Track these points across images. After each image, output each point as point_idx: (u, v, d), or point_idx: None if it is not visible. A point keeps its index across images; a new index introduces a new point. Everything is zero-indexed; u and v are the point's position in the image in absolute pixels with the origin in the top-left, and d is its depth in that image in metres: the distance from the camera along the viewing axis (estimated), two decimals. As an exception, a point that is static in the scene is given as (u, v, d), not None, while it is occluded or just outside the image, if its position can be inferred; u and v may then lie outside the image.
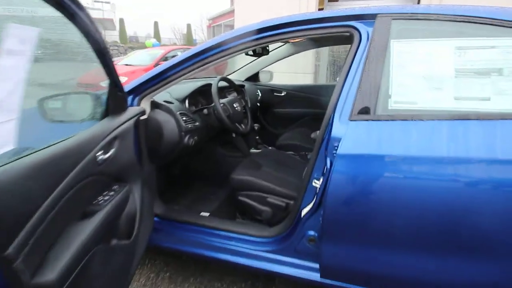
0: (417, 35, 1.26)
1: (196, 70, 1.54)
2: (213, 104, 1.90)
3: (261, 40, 1.50)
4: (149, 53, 9.24)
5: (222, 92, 2.31)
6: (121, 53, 20.93)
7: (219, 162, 2.45)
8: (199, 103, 2.08)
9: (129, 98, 1.59)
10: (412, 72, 1.23)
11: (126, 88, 1.59)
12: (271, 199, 1.72)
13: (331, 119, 1.34)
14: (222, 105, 1.90)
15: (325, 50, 7.42)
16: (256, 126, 2.39)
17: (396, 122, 1.19)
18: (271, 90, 3.15)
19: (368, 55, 1.27)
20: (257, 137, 2.42)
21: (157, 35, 27.71)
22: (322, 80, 7.45)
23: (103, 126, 1.21)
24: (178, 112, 1.75)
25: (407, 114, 1.18)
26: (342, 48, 7.31)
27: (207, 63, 1.51)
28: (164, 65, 1.58)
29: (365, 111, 1.23)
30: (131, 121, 1.37)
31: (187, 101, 1.93)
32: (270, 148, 2.47)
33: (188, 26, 28.68)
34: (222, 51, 1.49)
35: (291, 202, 1.70)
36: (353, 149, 1.20)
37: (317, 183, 1.36)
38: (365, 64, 1.27)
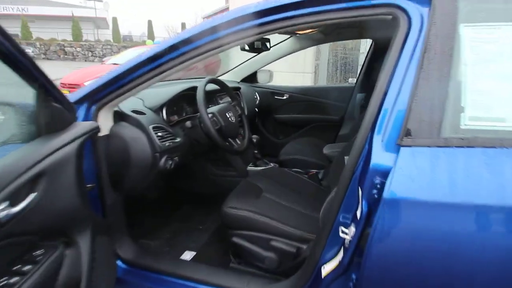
0: (503, 17, 0.83)
1: (175, 69, 1.11)
2: (199, 113, 1.47)
3: (262, 28, 1.06)
4: (141, 51, 8.75)
5: (212, 97, 1.87)
6: (114, 52, 20.40)
7: (208, 184, 2.02)
8: (182, 112, 1.64)
9: (82, 108, 1.15)
10: (497, 73, 0.81)
11: (77, 94, 1.16)
12: (277, 242, 1.30)
13: (367, 141, 0.92)
14: (211, 115, 1.47)
15: (325, 48, 7.02)
16: (254, 137, 1.97)
17: (476, 150, 0.76)
18: (271, 93, 2.72)
19: (425, 48, 0.85)
20: (256, 151, 2.00)
21: (151, 34, 27.14)
22: (322, 80, 7.04)
23: (17, 158, 0.77)
24: (151, 126, 1.31)
25: (492, 138, 0.76)
26: (341, 45, 6.93)
27: (187, 60, 1.08)
28: (131, 61, 1.14)
29: (423, 131, 0.81)
30: (74, 145, 0.93)
31: (164, 110, 1.49)
32: (271, 165, 2.04)
33: (183, 25, 28.12)
34: (208, 43, 1.05)
35: (304, 246, 1.27)
36: (410, 192, 0.78)
37: (346, 234, 0.94)
38: (421, 61, 0.84)
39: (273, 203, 1.44)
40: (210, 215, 1.99)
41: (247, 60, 2.62)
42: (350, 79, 6.00)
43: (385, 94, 0.89)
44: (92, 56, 21.54)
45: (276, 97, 2.72)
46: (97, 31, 29.12)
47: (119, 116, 1.31)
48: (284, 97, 2.71)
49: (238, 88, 2.23)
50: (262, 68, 2.73)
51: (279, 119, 2.75)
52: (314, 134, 2.61)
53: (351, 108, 2.55)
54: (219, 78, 2.68)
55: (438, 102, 0.81)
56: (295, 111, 2.73)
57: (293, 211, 1.41)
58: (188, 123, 1.45)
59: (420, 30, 0.87)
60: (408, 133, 0.83)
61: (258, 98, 2.65)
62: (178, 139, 1.45)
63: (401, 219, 0.79)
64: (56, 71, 7.98)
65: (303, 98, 2.69)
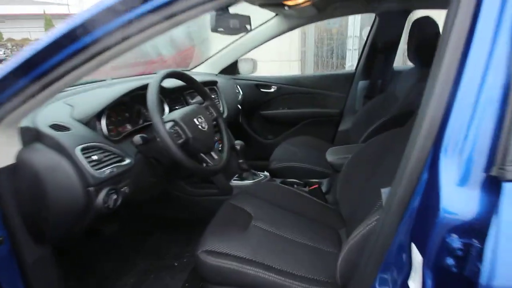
0: None
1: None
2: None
3: None
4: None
5: (177, 97, 1.44)
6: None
7: (183, 205, 1.60)
8: (134, 120, 1.20)
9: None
10: None
11: None
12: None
13: (425, 166, 0.53)
14: (171, 124, 1.03)
15: (310, 34, 6.59)
16: (238, 144, 1.55)
17: None
18: (256, 85, 2.30)
19: None
20: (241, 161, 1.58)
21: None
22: (310, 69, 6.62)
23: None
24: (79, 148, 0.88)
25: None
26: (325, 30, 6.52)
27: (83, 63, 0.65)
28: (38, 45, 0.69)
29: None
30: None
31: (104, 121, 1.05)
32: (261, 176, 1.63)
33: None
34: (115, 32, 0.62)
35: None
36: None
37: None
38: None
39: (266, 236, 1.04)
40: (188, 245, 1.58)
41: (224, 48, 2.17)
42: (348, 64, 5.57)
43: (456, 89, 0.49)
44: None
45: (262, 89, 2.30)
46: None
47: (32, 135, 0.87)
48: (272, 90, 2.29)
49: (214, 83, 1.80)
50: (243, 57, 2.29)
51: (266, 115, 2.33)
52: (309, 132, 2.21)
53: (352, 99, 2.15)
54: (187, 70, 2.25)
55: None
56: (285, 105, 2.32)
57: (296, 246, 1.01)
58: (137, 138, 1.01)
59: None
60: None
61: (241, 93, 2.22)
62: (127, 161, 1.03)
63: None
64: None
65: (294, 90, 2.27)
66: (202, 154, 1.10)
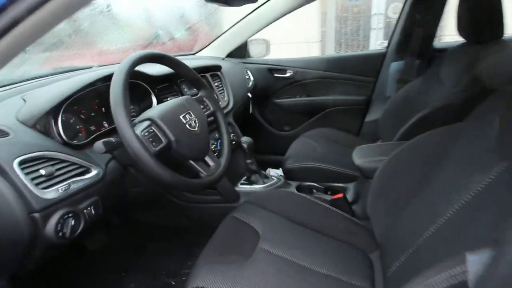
0: None
1: None
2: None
3: None
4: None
5: (166, 88, 1.16)
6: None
7: (180, 213, 1.37)
8: (109, 117, 0.95)
9: None
10: None
11: None
12: None
13: None
14: (146, 123, 0.77)
15: (331, 13, 6.11)
16: (245, 142, 1.28)
17: None
18: (268, 70, 2.00)
19: None
20: (249, 161, 1.32)
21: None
22: (330, 50, 6.17)
23: None
24: (17, 160, 0.65)
25: None
26: (346, 10, 6.01)
27: None
28: None
29: None
30: None
31: (60, 122, 0.80)
32: (274, 178, 1.37)
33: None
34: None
35: None
36: None
37: None
38: None
39: (277, 265, 0.80)
40: (187, 259, 1.36)
41: (231, 28, 1.88)
42: (378, 42, 5.10)
43: None
44: None
45: (276, 74, 2.00)
46: None
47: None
48: (287, 74, 1.99)
49: (217, 68, 1.52)
50: (253, 38, 2.00)
51: (281, 104, 2.04)
52: (330, 123, 1.91)
53: (382, 84, 1.82)
54: (190, 55, 1.98)
55: None
56: (303, 92, 2.02)
57: (315, 279, 0.77)
58: (98, 145, 0.75)
59: None
60: None
61: (252, 79, 1.94)
62: (93, 172, 0.79)
63: None
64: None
65: (313, 74, 1.96)
66: (192, 162, 0.85)
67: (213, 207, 1.31)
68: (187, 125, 0.83)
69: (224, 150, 0.99)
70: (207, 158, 0.91)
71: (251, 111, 1.86)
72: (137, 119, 0.80)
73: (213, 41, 1.98)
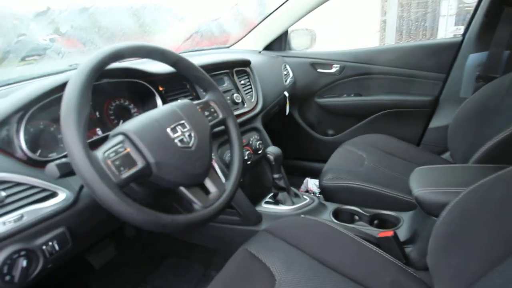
0: None
1: None
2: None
3: None
4: None
5: (177, 88, 0.96)
6: None
7: (190, 233, 1.18)
8: (93, 128, 0.78)
9: None
10: None
11: None
12: None
13: None
14: (118, 140, 0.57)
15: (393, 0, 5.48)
16: (271, 153, 1.05)
17: None
18: (311, 65, 1.73)
19: None
20: (276, 175, 1.08)
21: None
22: (391, 42, 5.55)
23: None
24: None
25: None
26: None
27: None
28: None
29: None
30: None
31: (22, 134, 0.65)
32: (306, 198, 1.12)
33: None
34: None
35: None
36: None
37: None
38: None
39: None
40: (200, 280, 1.18)
41: (269, 16, 1.64)
42: (451, 29, 4.42)
43: None
44: None
45: (319, 70, 1.72)
46: None
47: None
48: (333, 70, 1.69)
49: (244, 63, 1.29)
50: (295, 28, 1.74)
51: (325, 104, 1.76)
52: (384, 128, 1.58)
53: (455, 81, 1.44)
54: (225, 48, 1.77)
55: None
56: (351, 91, 1.71)
57: None
58: (51, 167, 0.57)
59: None
60: None
61: (291, 74, 1.68)
62: (60, 196, 0.62)
63: None
64: None
65: (364, 69, 1.64)
66: (183, 189, 0.65)
67: (231, 228, 1.11)
68: (176, 141, 0.63)
69: (232, 172, 0.76)
70: (207, 182, 0.70)
71: (288, 111, 1.61)
72: (111, 132, 0.61)
73: (249, 32, 1.77)
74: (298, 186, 1.76)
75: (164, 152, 0.61)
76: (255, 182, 1.25)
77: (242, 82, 1.25)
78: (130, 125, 0.60)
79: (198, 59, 1.15)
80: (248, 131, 1.20)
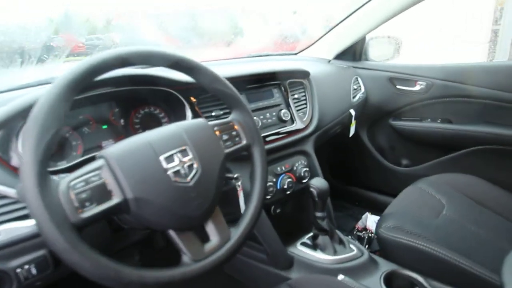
0: None
1: None
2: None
3: None
4: None
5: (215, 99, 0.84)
6: None
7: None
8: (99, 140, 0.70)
9: None
10: None
11: None
12: None
13: None
14: (96, 166, 0.45)
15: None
16: (315, 187, 0.85)
17: None
18: (390, 80, 1.45)
19: None
20: (319, 214, 0.87)
21: None
22: (504, 56, 4.62)
23: None
24: None
25: None
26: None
27: None
28: None
29: None
30: None
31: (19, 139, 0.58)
32: (354, 249, 0.89)
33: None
34: None
35: None
36: None
37: None
38: None
39: None
40: None
41: (344, 20, 1.42)
42: None
43: None
44: None
45: (399, 86, 1.43)
46: None
47: None
48: (417, 87, 1.39)
49: (302, 74, 1.11)
50: (374, 35, 1.48)
51: (402, 128, 1.46)
52: (477, 168, 1.23)
53: None
54: (292, 54, 1.60)
55: None
56: (438, 115, 1.38)
57: None
58: (10, 191, 0.48)
59: None
60: None
61: (362, 89, 1.44)
62: None
63: None
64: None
65: (459, 90, 1.30)
66: (172, 233, 0.51)
67: (256, 266, 0.95)
68: (169, 173, 0.50)
69: (244, 217, 0.59)
70: (209, 227, 0.55)
71: (352, 133, 1.37)
72: (97, 154, 0.51)
73: (321, 37, 1.57)
74: (355, 219, 1.50)
75: (148, 186, 0.48)
76: (294, 215, 1.06)
77: (296, 96, 1.07)
78: (115, 148, 0.49)
79: (242, 68, 1.02)
80: (293, 154, 1.02)
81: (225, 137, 0.61)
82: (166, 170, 0.50)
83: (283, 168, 0.97)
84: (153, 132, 0.54)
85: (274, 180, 0.94)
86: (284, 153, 0.99)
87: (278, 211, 1.02)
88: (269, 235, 0.88)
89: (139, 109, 0.82)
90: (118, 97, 0.78)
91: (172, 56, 0.56)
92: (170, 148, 0.52)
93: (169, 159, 0.51)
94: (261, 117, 0.94)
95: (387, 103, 1.47)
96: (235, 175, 0.74)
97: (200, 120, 0.60)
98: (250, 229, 0.59)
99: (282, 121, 0.98)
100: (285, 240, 0.92)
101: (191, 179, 0.52)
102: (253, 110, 0.93)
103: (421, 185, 1.12)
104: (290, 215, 1.05)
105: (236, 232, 0.57)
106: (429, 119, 1.40)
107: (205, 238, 0.55)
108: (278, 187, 0.95)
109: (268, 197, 0.91)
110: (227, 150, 0.60)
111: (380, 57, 1.55)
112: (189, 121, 0.59)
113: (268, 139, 0.93)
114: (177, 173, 0.51)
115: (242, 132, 0.64)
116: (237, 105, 0.65)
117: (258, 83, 0.97)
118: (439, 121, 1.37)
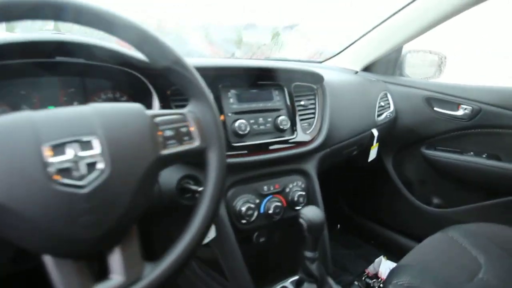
0: None
1: None
2: None
3: None
4: None
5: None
6: None
7: None
8: None
9: None
10: None
11: None
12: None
13: None
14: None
15: None
16: (305, 218, 0.65)
17: None
18: (427, 100, 1.21)
19: None
20: (309, 254, 0.67)
21: None
22: None
23: None
24: None
25: None
26: None
27: None
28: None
29: None
30: None
31: None
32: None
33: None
34: None
35: None
36: None
37: None
38: None
39: None
40: None
41: (375, 28, 1.22)
42: None
43: None
44: None
45: (438, 109, 1.19)
46: None
47: None
48: (460, 112, 1.14)
49: (315, 79, 0.92)
50: (413, 48, 1.27)
51: (436, 159, 1.21)
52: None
53: None
54: (317, 63, 1.41)
55: None
56: (484, 148, 1.12)
57: None
58: None
59: None
60: None
61: (392, 107, 1.22)
62: None
63: None
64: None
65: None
66: (48, 260, 0.34)
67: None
68: (50, 169, 0.33)
69: (174, 249, 0.41)
70: (112, 258, 0.38)
71: (372, 157, 1.15)
72: None
73: (348, 46, 1.38)
74: (366, 261, 1.25)
75: (11, 186, 0.32)
76: (282, 249, 0.86)
77: (303, 102, 0.88)
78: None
79: (246, 61, 0.86)
80: (288, 172, 0.82)
81: (168, 133, 0.44)
82: (46, 165, 0.33)
83: (271, 188, 0.77)
84: (50, 111, 0.38)
85: (258, 201, 0.75)
86: (276, 169, 0.79)
87: (261, 240, 0.82)
88: (238, 269, 0.68)
89: (100, 93, 0.68)
90: (77, 74, 0.64)
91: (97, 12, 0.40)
92: (63, 134, 0.35)
93: (58, 150, 0.34)
94: (252, 121, 0.76)
95: (421, 128, 1.23)
96: (200, 188, 0.57)
97: (133, 105, 0.43)
98: (178, 267, 0.41)
99: (278, 130, 0.79)
100: (260, 279, 0.72)
101: (88, 184, 0.35)
102: (242, 112, 0.75)
103: (453, 233, 0.87)
104: (277, 248, 0.85)
105: (153, 270, 0.39)
106: (471, 152, 1.14)
107: (103, 274, 0.38)
108: (262, 211, 0.76)
109: (244, 221, 0.72)
110: (165, 151, 0.43)
111: (418, 74, 1.33)
112: (113, 104, 0.43)
113: (258, 149, 0.75)
114: (64, 171, 0.34)
115: (197, 131, 0.47)
116: (197, 94, 0.48)
117: (259, 81, 0.80)
118: (484, 156, 1.11)
